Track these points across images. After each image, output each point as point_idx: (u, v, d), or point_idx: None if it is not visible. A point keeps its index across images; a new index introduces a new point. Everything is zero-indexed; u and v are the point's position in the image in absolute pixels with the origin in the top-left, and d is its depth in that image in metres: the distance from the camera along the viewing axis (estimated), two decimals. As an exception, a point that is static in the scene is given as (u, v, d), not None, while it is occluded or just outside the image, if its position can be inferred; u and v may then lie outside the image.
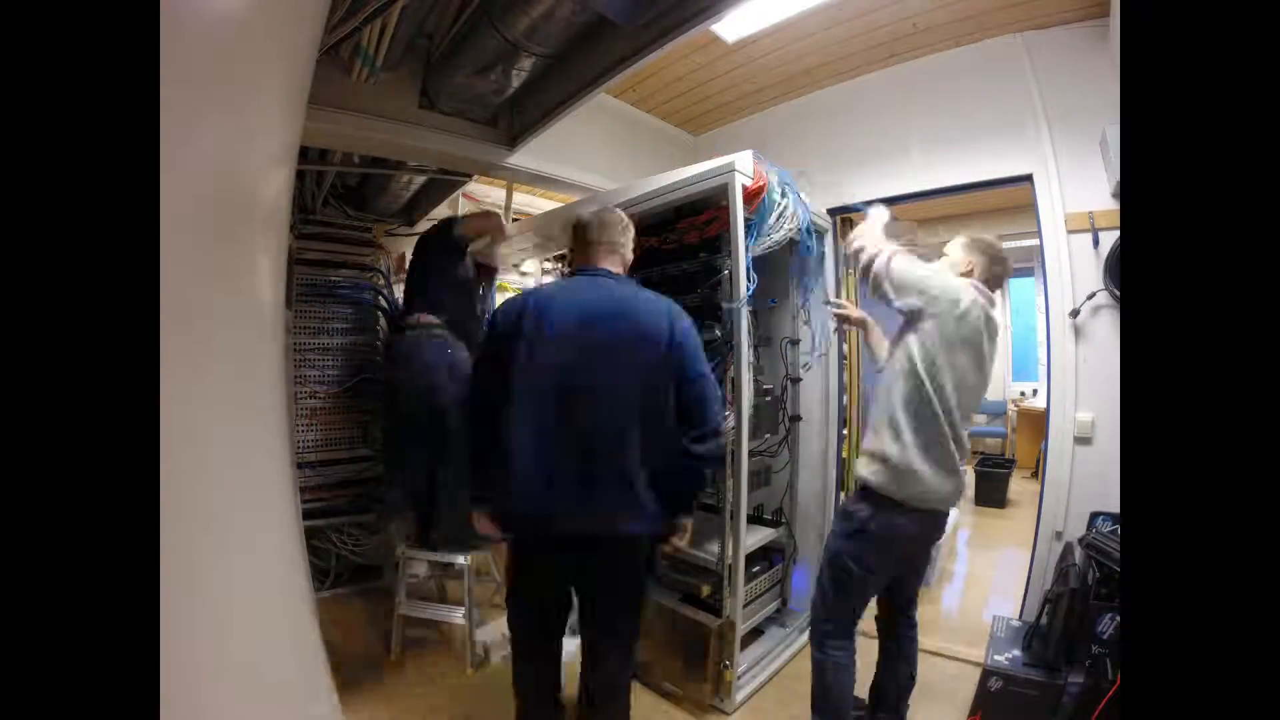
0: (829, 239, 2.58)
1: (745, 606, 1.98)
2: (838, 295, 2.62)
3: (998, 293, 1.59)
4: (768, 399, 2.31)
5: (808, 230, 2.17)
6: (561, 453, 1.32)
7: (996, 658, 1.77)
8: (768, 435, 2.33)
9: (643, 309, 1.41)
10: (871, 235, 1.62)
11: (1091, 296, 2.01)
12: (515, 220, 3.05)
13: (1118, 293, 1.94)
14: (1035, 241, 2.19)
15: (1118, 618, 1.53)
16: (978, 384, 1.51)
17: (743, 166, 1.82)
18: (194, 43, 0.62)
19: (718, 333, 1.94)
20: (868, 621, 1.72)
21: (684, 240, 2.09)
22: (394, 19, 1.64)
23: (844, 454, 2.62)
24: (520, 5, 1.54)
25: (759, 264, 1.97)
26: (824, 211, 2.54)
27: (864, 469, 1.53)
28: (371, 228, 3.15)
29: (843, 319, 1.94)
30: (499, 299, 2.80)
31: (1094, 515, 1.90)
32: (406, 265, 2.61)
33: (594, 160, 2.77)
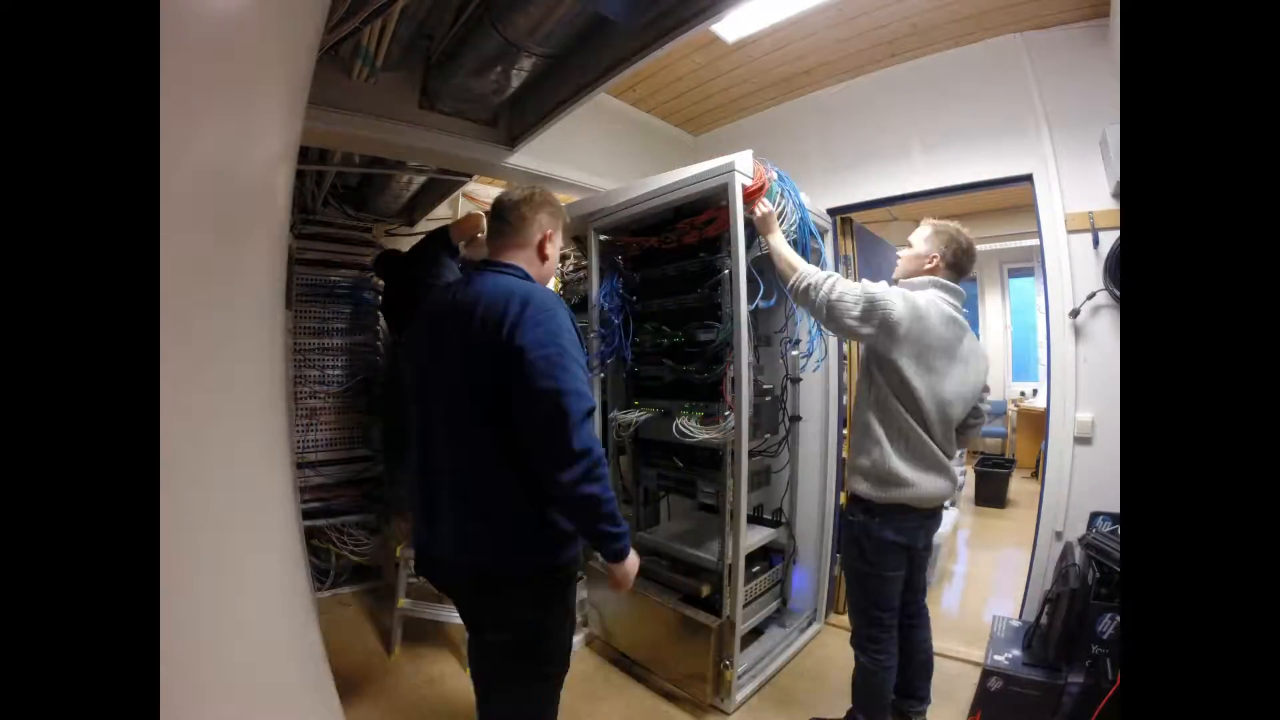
0: (829, 239, 2.58)
1: (745, 606, 1.99)
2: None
3: (965, 281, 1.59)
4: (768, 399, 2.31)
5: (808, 230, 2.16)
6: (418, 486, 1.23)
7: (996, 658, 1.77)
8: (768, 435, 2.33)
9: (486, 299, 1.12)
10: (800, 260, 1.64)
11: (1091, 296, 2.01)
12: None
13: (1118, 293, 1.94)
14: (1035, 241, 2.20)
15: (1118, 618, 1.53)
16: (960, 378, 1.52)
17: (743, 166, 1.82)
18: (194, 43, 0.62)
19: (718, 333, 1.94)
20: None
21: (683, 240, 2.09)
22: (394, 19, 1.64)
23: (844, 454, 2.61)
24: (520, 5, 1.54)
25: (759, 264, 1.97)
26: (824, 211, 2.54)
27: (852, 482, 1.60)
28: (371, 228, 3.16)
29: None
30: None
31: (1094, 515, 1.91)
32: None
33: (594, 160, 2.77)
